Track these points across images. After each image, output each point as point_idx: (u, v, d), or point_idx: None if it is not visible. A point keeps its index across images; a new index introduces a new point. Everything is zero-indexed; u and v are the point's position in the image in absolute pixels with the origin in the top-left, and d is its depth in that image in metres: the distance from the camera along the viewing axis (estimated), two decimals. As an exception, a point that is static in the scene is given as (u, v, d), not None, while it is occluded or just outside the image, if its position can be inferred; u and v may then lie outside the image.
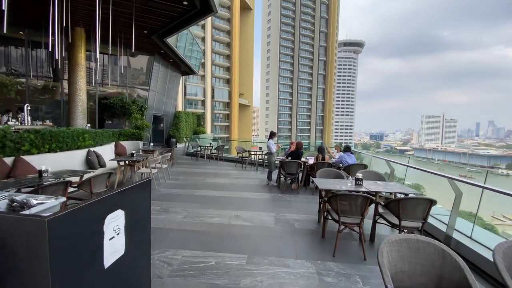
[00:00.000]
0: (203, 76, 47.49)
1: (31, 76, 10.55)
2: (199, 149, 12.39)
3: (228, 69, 52.70)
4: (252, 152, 10.48)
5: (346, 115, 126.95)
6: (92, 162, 6.52)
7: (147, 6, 8.11)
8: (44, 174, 4.08)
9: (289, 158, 6.88)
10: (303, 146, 7.34)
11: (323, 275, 2.76)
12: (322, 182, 4.16)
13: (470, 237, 3.31)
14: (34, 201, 1.60)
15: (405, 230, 3.22)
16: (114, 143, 8.55)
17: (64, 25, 6.75)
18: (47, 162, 5.13)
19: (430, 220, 3.68)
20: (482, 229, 3.67)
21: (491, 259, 2.73)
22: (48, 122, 9.64)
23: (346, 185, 3.98)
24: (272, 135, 7.25)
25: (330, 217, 3.52)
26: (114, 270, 1.17)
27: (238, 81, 53.11)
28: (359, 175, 3.99)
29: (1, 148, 4.74)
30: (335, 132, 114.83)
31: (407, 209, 3.11)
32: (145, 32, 10.40)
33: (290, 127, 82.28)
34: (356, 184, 3.92)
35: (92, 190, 3.96)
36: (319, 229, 4.02)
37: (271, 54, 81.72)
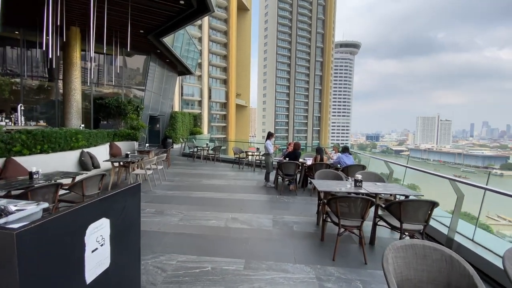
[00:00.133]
0: (200, 77, 47.30)
1: (26, 76, 10.35)
2: (195, 149, 12.26)
3: (225, 70, 52.56)
4: (250, 153, 10.39)
5: (343, 115, 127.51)
6: (86, 163, 6.37)
7: (143, 5, 7.98)
8: (34, 176, 3.95)
9: (287, 159, 6.79)
10: (301, 147, 7.26)
11: (323, 280, 2.67)
12: (321, 184, 4.07)
13: (472, 240, 3.24)
14: (13, 208, 1.48)
15: (406, 233, 3.15)
16: (108, 143, 8.38)
17: (59, 24, 6.60)
18: (39, 164, 4.96)
19: (430, 222, 3.61)
20: (484, 231, 3.61)
21: (495, 263, 2.68)
22: (42, 123, 9.46)
23: (345, 186, 3.90)
24: (269, 135, 7.17)
25: (329, 220, 3.44)
26: (97, 285, 1.06)
27: (235, 81, 53.00)
28: (359, 176, 3.91)
29: (-9, 149, 4.59)
30: (332, 133, 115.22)
31: (409, 211, 3.04)
32: (141, 31, 10.26)
33: (287, 127, 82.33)
34: (355, 185, 3.84)
35: (84, 192, 3.82)
36: (318, 232, 3.93)
37: (268, 55, 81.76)
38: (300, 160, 6.93)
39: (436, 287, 1.64)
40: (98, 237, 1.00)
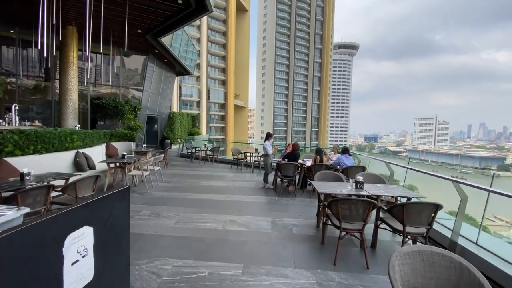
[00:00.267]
0: (198, 77, 47.18)
1: (21, 76, 10.20)
2: (193, 150, 12.14)
3: (223, 70, 52.46)
4: (248, 154, 10.30)
5: (341, 116, 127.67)
6: (81, 164, 6.24)
7: (141, 5, 7.88)
8: (26, 177, 3.83)
9: (286, 160, 6.70)
10: (299, 148, 7.17)
11: (324, 286, 2.58)
12: (321, 186, 3.98)
13: (476, 243, 3.16)
14: (-11, 213, 1.38)
15: (409, 236, 3.07)
16: (105, 144, 8.26)
17: (55, 23, 6.48)
18: (32, 164, 4.84)
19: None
20: (488, 234, 3.53)
21: (502, 268, 2.60)
22: (37, 123, 9.31)
23: (346, 188, 3.82)
24: (268, 136, 7.08)
25: (330, 223, 3.35)
26: (79, 301, 0.94)
27: (234, 82, 52.91)
28: (360, 178, 3.83)
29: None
30: (330, 134, 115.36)
31: (412, 214, 2.96)
32: (139, 31, 10.15)
33: (285, 128, 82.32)
34: (356, 187, 3.75)
35: (78, 194, 3.71)
36: (318, 235, 3.84)
37: (266, 56, 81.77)
38: (299, 161, 6.84)
39: (444, 295, 1.56)
40: (79, 247, 0.90)
